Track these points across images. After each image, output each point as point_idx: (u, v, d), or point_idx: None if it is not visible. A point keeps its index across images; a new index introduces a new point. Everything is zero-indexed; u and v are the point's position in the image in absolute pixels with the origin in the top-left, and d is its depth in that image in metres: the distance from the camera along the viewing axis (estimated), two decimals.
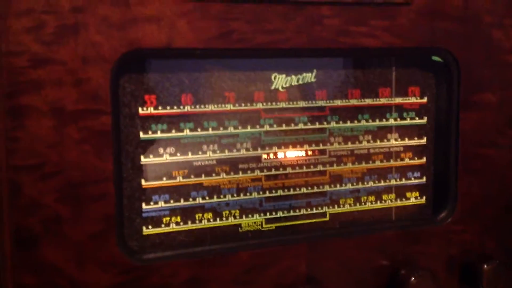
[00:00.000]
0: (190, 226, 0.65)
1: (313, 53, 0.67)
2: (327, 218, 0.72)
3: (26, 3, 0.53)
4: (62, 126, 0.55)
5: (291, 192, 0.69)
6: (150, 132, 0.62)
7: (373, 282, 0.70)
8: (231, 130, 0.66)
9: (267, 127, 0.67)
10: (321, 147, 0.70)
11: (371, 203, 0.74)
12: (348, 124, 0.71)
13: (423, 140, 0.75)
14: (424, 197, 0.76)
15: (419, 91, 0.74)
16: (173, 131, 0.63)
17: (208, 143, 0.65)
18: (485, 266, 0.72)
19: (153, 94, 0.62)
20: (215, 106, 0.65)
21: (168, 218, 0.64)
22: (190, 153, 0.64)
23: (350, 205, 0.73)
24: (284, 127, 0.68)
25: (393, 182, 0.74)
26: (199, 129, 0.64)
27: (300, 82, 0.68)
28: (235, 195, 0.67)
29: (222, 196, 0.66)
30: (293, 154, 0.69)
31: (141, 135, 0.62)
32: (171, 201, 0.64)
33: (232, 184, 0.67)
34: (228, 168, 0.66)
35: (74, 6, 0.55)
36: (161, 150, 0.63)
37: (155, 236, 0.64)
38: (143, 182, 0.62)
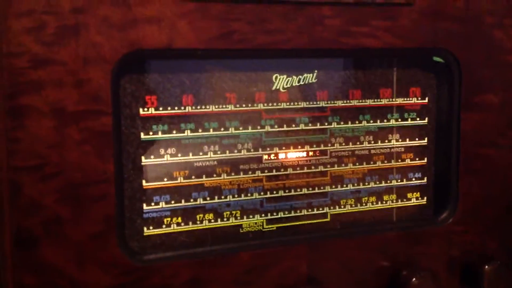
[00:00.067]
0: (191, 226, 0.65)
1: (314, 54, 0.66)
2: (328, 219, 0.71)
3: (27, 3, 0.53)
4: (62, 127, 0.55)
5: (292, 192, 0.69)
6: (151, 133, 0.62)
7: (374, 283, 0.70)
8: (232, 130, 0.66)
9: (268, 128, 0.67)
10: (322, 147, 0.70)
11: (372, 204, 0.73)
12: (349, 124, 0.71)
13: (424, 141, 0.75)
14: (425, 198, 0.76)
15: (420, 92, 0.74)
16: (174, 131, 0.63)
17: (209, 143, 0.65)
18: (486, 266, 0.72)
19: (154, 94, 0.62)
20: (216, 106, 0.65)
21: (169, 219, 0.64)
22: (191, 154, 0.64)
23: (351, 205, 0.72)
24: (285, 128, 0.68)
25: (394, 182, 0.74)
26: (200, 130, 0.64)
27: (301, 82, 0.68)
28: (236, 195, 0.67)
29: (223, 197, 0.66)
30: (294, 154, 0.69)
31: (142, 135, 0.62)
32: (172, 202, 0.64)
33: (233, 185, 0.67)
34: (229, 169, 0.66)
35: (74, 7, 0.55)
36: (162, 151, 0.63)
37: (156, 237, 0.64)
38: (144, 182, 0.62)
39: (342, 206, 0.72)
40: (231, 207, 0.67)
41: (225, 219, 0.67)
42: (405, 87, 0.73)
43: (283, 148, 0.68)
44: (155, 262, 0.61)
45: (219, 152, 0.65)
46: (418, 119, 0.74)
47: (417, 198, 0.76)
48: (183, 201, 0.64)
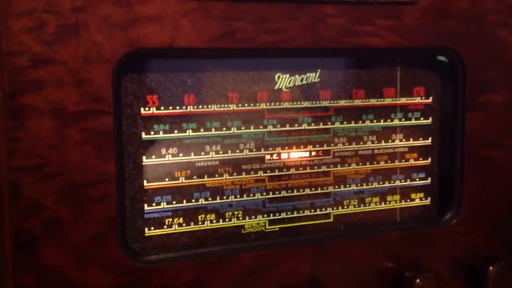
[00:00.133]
0: (192, 227, 0.65)
1: (317, 53, 0.66)
2: (331, 219, 0.71)
3: (27, 2, 0.53)
4: (63, 127, 0.55)
5: (295, 193, 0.69)
6: (152, 133, 0.62)
7: (377, 284, 0.70)
8: (234, 130, 0.65)
9: (270, 128, 0.67)
10: (325, 147, 0.70)
11: (376, 204, 0.73)
12: (353, 124, 0.71)
13: (428, 141, 0.75)
14: (429, 198, 0.76)
15: (424, 91, 0.74)
16: (176, 131, 0.63)
17: (211, 143, 0.65)
18: (491, 268, 0.72)
19: (155, 94, 0.62)
20: (218, 106, 0.64)
21: (170, 219, 0.64)
22: (192, 154, 0.64)
23: (354, 206, 0.72)
24: (287, 128, 0.68)
25: (397, 183, 0.74)
26: (201, 130, 0.64)
27: (304, 82, 0.68)
28: (238, 196, 0.66)
29: (225, 197, 0.66)
30: (297, 154, 0.69)
31: (143, 135, 0.61)
32: (174, 202, 0.64)
33: (235, 185, 0.66)
34: (231, 169, 0.66)
35: (75, 6, 0.54)
36: (163, 151, 0.63)
37: (157, 238, 0.63)
38: (145, 183, 0.62)
39: (345, 207, 0.72)
40: (233, 207, 0.66)
41: (227, 220, 0.66)
42: (409, 86, 0.73)
43: (286, 148, 0.68)
44: (156, 263, 0.61)
45: (221, 152, 0.65)
46: (422, 118, 0.74)
47: (420, 199, 0.75)
48: (184, 201, 0.64)
